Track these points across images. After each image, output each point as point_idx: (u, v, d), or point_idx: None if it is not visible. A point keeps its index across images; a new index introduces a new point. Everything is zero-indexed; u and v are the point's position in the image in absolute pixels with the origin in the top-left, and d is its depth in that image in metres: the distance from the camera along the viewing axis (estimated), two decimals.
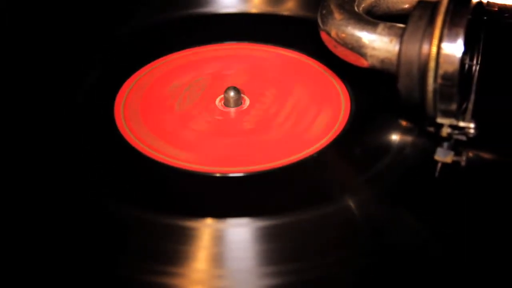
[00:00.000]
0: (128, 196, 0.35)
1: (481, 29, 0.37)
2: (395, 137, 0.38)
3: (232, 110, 0.40)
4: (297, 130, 0.38)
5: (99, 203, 0.34)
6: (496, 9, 0.38)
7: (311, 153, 0.37)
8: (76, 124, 0.39)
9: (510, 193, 0.34)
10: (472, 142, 0.34)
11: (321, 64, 0.43)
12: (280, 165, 0.36)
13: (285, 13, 0.48)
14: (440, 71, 0.32)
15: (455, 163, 0.34)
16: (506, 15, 0.38)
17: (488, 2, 0.37)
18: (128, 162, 0.37)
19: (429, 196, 0.34)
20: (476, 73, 0.37)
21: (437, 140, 0.34)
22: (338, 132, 0.38)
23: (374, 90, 0.40)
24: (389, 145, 0.37)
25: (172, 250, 0.32)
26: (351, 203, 0.34)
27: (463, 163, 0.34)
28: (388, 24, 0.35)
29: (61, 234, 0.33)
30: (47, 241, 0.32)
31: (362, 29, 0.35)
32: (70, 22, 0.47)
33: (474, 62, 0.37)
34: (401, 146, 0.37)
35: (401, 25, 0.34)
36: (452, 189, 0.34)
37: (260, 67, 0.43)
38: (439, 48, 0.32)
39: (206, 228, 0.33)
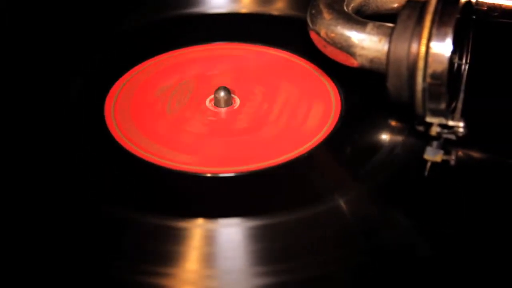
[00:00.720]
0: (119, 196, 0.35)
1: (470, 28, 0.37)
2: (384, 136, 0.38)
3: (223, 110, 0.40)
4: (287, 130, 0.38)
5: (90, 204, 0.34)
6: (485, 8, 0.38)
7: (302, 153, 0.37)
8: (66, 127, 0.39)
9: (500, 192, 0.34)
10: (461, 141, 0.34)
11: (311, 64, 0.43)
12: (271, 165, 0.36)
13: (275, 13, 0.48)
14: (429, 71, 0.33)
15: (444, 162, 0.34)
16: (495, 14, 0.38)
17: (477, 1, 0.37)
18: (118, 162, 0.37)
19: (419, 195, 0.34)
20: (465, 72, 0.37)
21: (426, 139, 0.34)
22: (328, 132, 0.38)
23: (365, 90, 0.40)
24: (378, 145, 0.38)
25: (163, 250, 0.32)
26: (342, 203, 0.34)
27: (452, 162, 0.34)
28: (377, 23, 0.35)
29: (52, 235, 0.33)
30: (36, 240, 0.32)
31: (351, 28, 0.35)
32: (58, 25, 0.47)
33: (463, 61, 0.37)
34: (391, 146, 0.37)
35: (390, 25, 0.34)
36: (441, 188, 0.34)
37: (250, 67, 0.43)
38: (427, 47, 0.32)
39: (197, 228, 0.33)
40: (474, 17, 0.37)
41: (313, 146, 0.37)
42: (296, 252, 0.32)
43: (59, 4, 0.48)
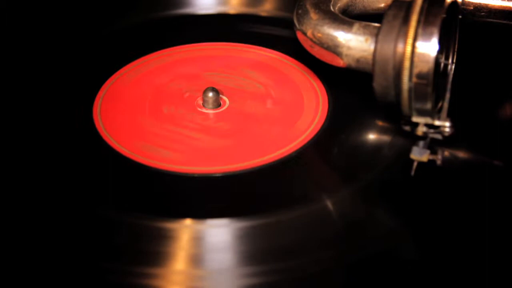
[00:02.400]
0: (107, 197, 0.35)
1: (456, 27, 0.37)
2: (372, 136, 0.38)
3: (211, 111, 0.40)
4: (276, 130, 0.38)
5: (77, 204, 0.34)
6: (472, 7, 0.38)
7: (290, 152, 0.37)
8: (53, 126, 0.39)
9: (486, 191, 0.34)
10: (447, 141, 0.34)
11: (299, 64, 0.43)
12: (259, 165, 0.36)
13: (263, 14, 0.49)
14: (415, 70, 0.33)
15: (431, 162, 0.34)
16: (482, 13, 0.38)
17: (463, 0, 0.37)
18: (106, 163, 0.37)
19: (405, 194, 0.34)
20: (452, 72, 0.37)
21: (413, 139, 0.34)
22: (316, 131, 0.38)
23: (353, 89, 0.40)
24: (366, 144, 0.38)
25: (151, 251, 0.32)
26: (329, 202, 0.34)
27: (439, 162, 0.34)
28: (363, 23, 0.35)
29: (39, 235, 0.33)
30: (24, 241, 0.32)
31: (338, 28, 0.35)
32: (46, 26, 0.47)
33: (449, 61, 0.37)
34: (378, 145, 0.37)
35: (377, 25, 0.35)
36: (427, 188, 0.34)
37: (238, 68, 0.43)
38: (413, 47, 0.33)
39: (185, 229, 0.33)
40: (460, 16, 0.37)
41: (301, 145, 0.37)
42: (284, 252, 0.32)
43: (46, 6, 0.49)
